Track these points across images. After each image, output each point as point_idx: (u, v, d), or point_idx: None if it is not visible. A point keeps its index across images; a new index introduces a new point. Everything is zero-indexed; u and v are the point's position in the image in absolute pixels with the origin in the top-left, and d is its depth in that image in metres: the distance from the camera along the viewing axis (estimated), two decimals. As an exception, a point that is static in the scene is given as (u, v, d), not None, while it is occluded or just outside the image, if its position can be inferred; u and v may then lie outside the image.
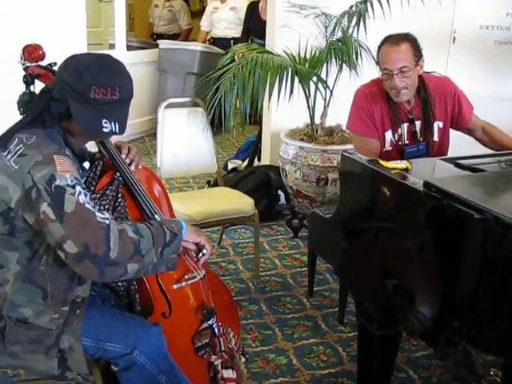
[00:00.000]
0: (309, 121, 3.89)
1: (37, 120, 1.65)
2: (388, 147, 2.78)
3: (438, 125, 2.78)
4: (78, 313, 1.74)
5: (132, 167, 1.93)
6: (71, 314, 1.73)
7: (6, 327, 1.69)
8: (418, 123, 2.77)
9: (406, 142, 2.77)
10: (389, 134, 2.77)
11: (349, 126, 2.96)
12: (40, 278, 1.66)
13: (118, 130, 1.66)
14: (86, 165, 1.84)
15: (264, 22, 4.76)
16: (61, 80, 1.64)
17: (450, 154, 2.82)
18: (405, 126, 2.77)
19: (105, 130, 1.64)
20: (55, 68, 1.78)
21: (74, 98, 1.61)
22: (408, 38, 2.62)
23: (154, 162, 3.98)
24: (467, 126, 2.82)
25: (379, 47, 2.71)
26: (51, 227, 1.53)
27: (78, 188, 1.56)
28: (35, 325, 1.69)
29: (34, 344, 1.70)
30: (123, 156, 1.93)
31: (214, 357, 1.92)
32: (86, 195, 1.58)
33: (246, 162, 4.92)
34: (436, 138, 2.79)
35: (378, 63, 2.72)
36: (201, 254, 1.86)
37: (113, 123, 1.65)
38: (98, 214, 1.55)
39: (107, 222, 1.55)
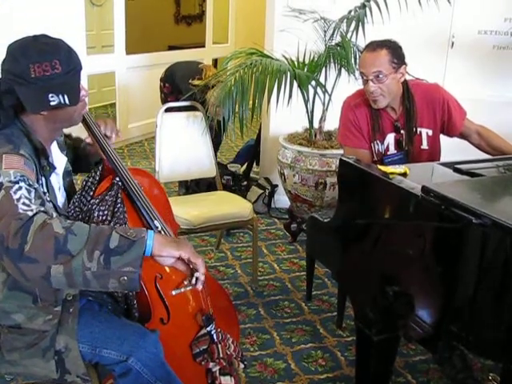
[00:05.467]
0: (307, 125, 3.90)
1: None
2: (375, 157, 2.78)
3: (426, 132, 2.77)
4: (71, 311, 1.74)
5: (113, 139, 1.93)
6: (64, 312, 1.72)
7: (1, 335, 1.69)
8: (404, 132, 2.76)
9: (394, 151, 2.77)
10: (376, 145, 2.77)
11: (338, 138, 3.00)
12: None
13: (67, 101, 1.63)
14: (59, 159, 1.82)
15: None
16: (3, 71, 1.63)
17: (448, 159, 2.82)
18: (392, 135, 2.77)
19: (52, 103, 1.60)
20: None
21: (18, 83, 1.59)
22: (387, 45, 2.63)
23: (152, 166, 3.99)
24: (459, 132, 2.80)
25: (361, 52, 2.74)
26: None
27: (21, 184, 1.48)
28: (29, 329, 1.69)
29: (30, 348, 1.69)
30: (102, 129, 1.93)
31: (211, 363, 1.90)
32: (29, 192, 1.48)
33: (244, 166, 4.92)
34: (425, 145, 2.78)
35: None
36: (194, 280, 1.60)
37: (61, 96, 1.61)
38: (22, 206, 1.44)
39: (29, 213, 1.42)
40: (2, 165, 1.52)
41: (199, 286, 1.62)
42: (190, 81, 4.04)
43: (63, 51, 1.64)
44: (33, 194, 1.50)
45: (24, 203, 1.45)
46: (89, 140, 1.94)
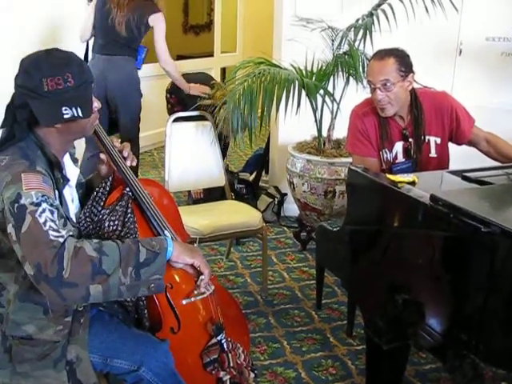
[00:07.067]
0: (316, 134, 3.90)
1: (10, 134, 1.66)
2: (384, 166, 2.79)
3: (435, 140, 2.77)
4: (82, 321, 1.75)
5: (128, 162, 1.93)
6: (75, 323, 1.73)
7: (12, 347, 1.69)
8: (412, 140, 2.77)
9: (403, 159, 2.78)
10: (384, 153, 2.77)
11: (347, 147, 3.01)
12: (37, 295, 1.62)
13: (81, 114, 1.65)
14: (72, 171, 1.84)
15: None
16: (17, 86, 1.65)
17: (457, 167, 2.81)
18: (400, 143, 2.77)
19: (66, 116, 1.62)
20: None
21: (32, 97, 1.61)
22: (394, 53, 2.64)
23: (162, 175, 4.00)
24: (467, 140, 2.80)
25: (369, 61, 2.76)
26: (15, 248, 1.52)
27: (44, 205, 1.52)
28: (40, 340, 1.69)
29: (41, 360, 1.69)
30: (116, 145, 1.93)
31: (222, 373, 1.91)
32: (52, 212, 1.53)
33: (253, 175, 4.93)
34: (434, 153, 2.78)
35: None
36: (199, 280, 1.78)
37: (74, 109, 1.63)
38: (51, 232, 1.49)
39: (61, 240, 1.49)
40: (23, 185, 1.54)
41: (202, 289, 1.81)
42: (198, 101, 4.07)
43: (75, 64, 1.66)
44: (56, 215, 1.53)
45: (52, 228, 1.50)
46: (103, 156, 1.95)
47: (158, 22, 4.06)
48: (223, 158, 3.61)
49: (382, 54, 2.66)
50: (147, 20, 4.02)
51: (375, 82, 2.63)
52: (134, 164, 1.96)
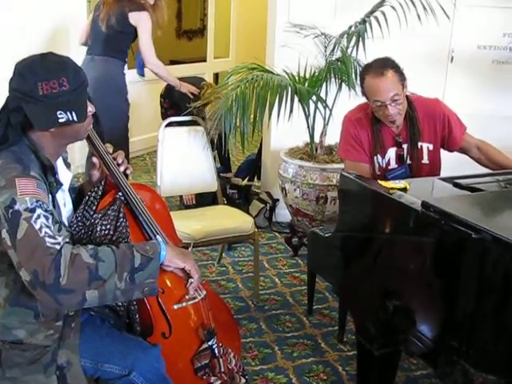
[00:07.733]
0: (308, 140, 3.91)
1: (3, 138, 1.65)
2: (377, 172, 2.79)
3: (427, 147, 2.78)
4: (73, 326, 1.75)
5: (122, 168, 1.92)
6: (66, 327, 1.73)
7: (2, 352, 1.67)
8: (405, 146, 2.77)
9: (395, 166, 2.78)
10: (377, 159, 2.78)
11: (339, 152, 3.00)
12: (28, 299, 1.63)
13: (75, 118, 1.64)
14: (65, 175, 1.83)
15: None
16: (11, 89, 1.64)
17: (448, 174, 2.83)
18: (393, 150, 2.77)
19: (61, 120, 1.61)
20: None
21: (26, 101, 1.60)
22: (390, 65, 2.62)
23: (154, 180, 4.00)
24: (459, 146, 2.82)
25: (362, 77, 2.70)
26: (10, 254, 1.52)
27: (38, 211, 1.52)
28: (31, 344, 1.68)
29: (31, 364, 1.68)
30: (110, 151, 1.93)
31: (213, 378, 1.91)
32: (47, 218, 1.53)
33: (245, 180, 4.93)
34: (426, 160, 2.78)
35: (363, 93, 2.73)
36: (188, 283, 1.80)
37: (69, 113, 1.62)
38: (48, 239, 1.49)
39: (57, 247, 1.50)
40: (17, 190, 1.53)
41: (191, 293, 1.85)
42: (187, 104, 4.07)
43: (70, 68, 1.65)
44: (50, 221, 1.54)
45: (47, 234, 1.51)
46: (95, 160, 1.94)
47: (140, 22, 3.85)
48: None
49: (379, 70, 2.61)
50: (127, 17, 3.82)
51: (385, 100, 2.59)
52: (129, 172, 1.95)
